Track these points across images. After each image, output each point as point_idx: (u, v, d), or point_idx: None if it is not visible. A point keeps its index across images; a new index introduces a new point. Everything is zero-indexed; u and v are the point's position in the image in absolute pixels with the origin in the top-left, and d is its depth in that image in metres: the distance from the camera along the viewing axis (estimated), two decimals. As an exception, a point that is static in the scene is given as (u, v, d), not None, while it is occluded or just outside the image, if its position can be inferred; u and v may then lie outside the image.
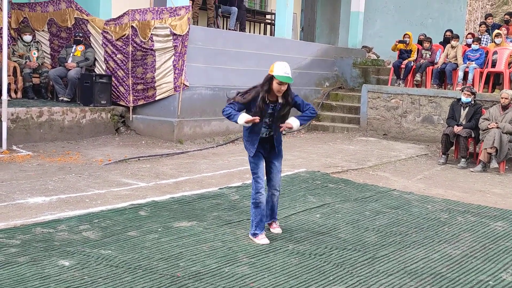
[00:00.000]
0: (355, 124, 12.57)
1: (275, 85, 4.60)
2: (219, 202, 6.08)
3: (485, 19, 14.14)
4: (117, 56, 10.26)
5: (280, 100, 4.73)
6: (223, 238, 4.88)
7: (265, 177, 4.95)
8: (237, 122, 4.65)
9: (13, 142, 8.48)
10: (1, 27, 9.20)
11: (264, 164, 4.94)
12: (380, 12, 17.54)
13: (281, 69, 4.56)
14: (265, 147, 4.91)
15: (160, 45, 9.84)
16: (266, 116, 4.75)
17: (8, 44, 8.69)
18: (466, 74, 11.51)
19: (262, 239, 4.82)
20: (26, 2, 11.60)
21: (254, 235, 4.86)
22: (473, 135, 9.32)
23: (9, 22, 10.94)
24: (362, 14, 15.86)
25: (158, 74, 9.96)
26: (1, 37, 9.39)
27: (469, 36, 12.51)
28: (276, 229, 5.13)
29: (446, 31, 13.50)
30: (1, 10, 10.31)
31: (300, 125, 4.81)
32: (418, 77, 12.29)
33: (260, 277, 4.04)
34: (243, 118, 4.61)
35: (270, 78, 4.63)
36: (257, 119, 4.60)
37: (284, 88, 4.62)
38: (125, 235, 4.79)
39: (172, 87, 9.91)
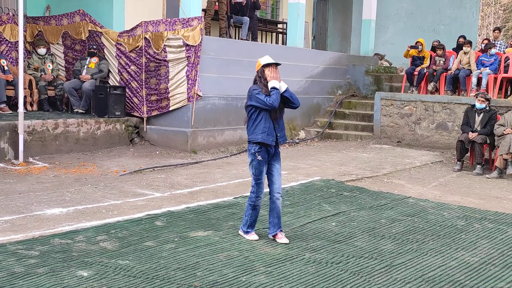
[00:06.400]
0: (368, 131, 12.54)
1: (267, 73, 4.93)
2: (235, 211, 6.09)
3: (493, 31, 14.09)
4: (131, 67, 10.36)
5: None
6: (239, 247, 4.89)
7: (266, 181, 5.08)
8: (279, 91, 4.89)
9: (30, 154, 8.57)
10: (17, 41, 9.33)
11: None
12: (392, 19, 17.53)
13: (265, 59, 4.99)
14: (270, 151, 5.01)
15: (173, 56, 9.92)
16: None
17: (23, 58, 8.80)
18: (480, 80, 11.45)
19: (252, 236, 5.15)
20: (41, 16, 11.76)
21: (247, 232, 5.15)
22: (488, 141, 9.26)
23: (24, 36, 11.06)
24: (373, 21, 15.84)
25: (172, 85, 10.03)
26: (17, 50, 9.52)
27: (485, 41, 12.44)
28: (282, 239, 5.09)
29: (459, 37, 13.45)
30: (17, 25, 10.47)
31: (286, 93, 4.95)
32: (431, 86, 12.21)
33: (277, 286, 4.05)
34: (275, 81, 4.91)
35: (262, 71, 4.97)
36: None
37: (277, 74, 4.93)
38: (142, 245, 4.82)
39: (185, 98, 9.97)
